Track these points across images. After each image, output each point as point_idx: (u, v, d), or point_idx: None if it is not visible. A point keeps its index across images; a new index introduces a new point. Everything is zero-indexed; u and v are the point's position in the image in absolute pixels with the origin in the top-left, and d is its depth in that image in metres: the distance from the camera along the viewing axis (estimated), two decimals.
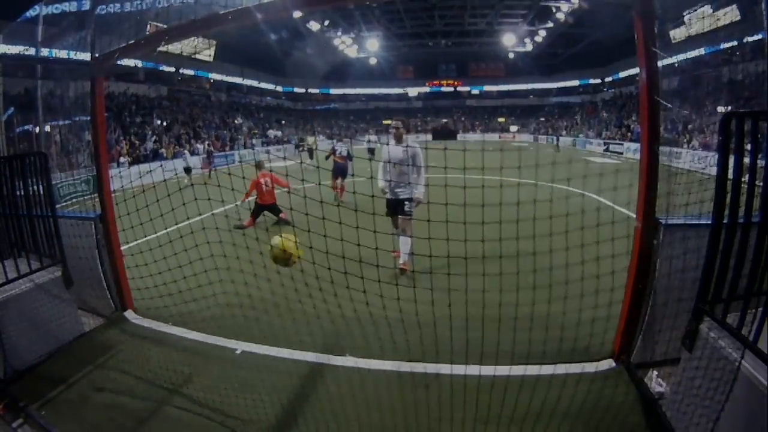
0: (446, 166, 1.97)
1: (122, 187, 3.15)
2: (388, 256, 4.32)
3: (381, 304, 2.57)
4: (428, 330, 2.54)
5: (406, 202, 4.37)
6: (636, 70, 2.36)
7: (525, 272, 2.36)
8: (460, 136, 35.46)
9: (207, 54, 28.36)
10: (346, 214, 2.27)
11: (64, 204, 10.05)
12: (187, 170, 13.37)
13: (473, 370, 2.40)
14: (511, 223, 2.07)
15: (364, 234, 2.23)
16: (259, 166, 7.28)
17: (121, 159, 15.84)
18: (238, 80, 34.66)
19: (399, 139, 4.52)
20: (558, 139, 25.52)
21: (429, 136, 33.68)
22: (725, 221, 1.67)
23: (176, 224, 2.58)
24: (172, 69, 27.50)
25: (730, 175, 1.67)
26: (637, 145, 15.32)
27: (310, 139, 20.17)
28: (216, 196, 2.56)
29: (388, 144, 4.59)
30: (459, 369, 2.42)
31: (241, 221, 6.63)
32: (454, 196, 2.10)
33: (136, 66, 23.77)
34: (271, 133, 30.59)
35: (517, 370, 2.39)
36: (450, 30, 34.28)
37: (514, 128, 37.29)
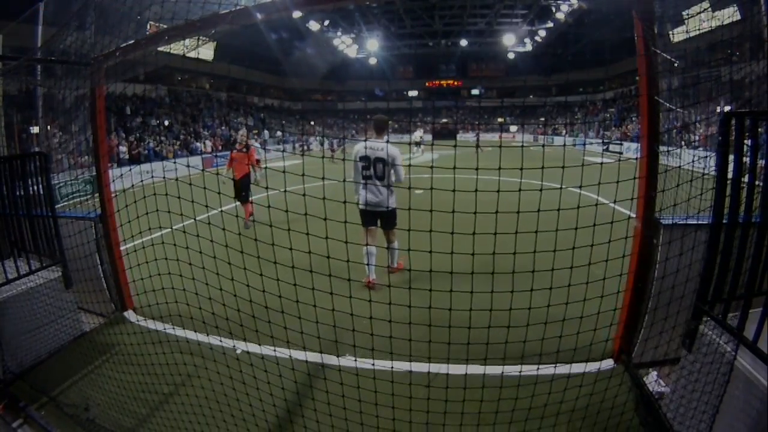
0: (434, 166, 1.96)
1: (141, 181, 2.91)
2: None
3: (379, 304, 2.55)
4: (427, 329, 2.54)
5: (395, 211, 3.93)
6: (635, 70, 2.36)
7: (524, 272, 2.35)
8: (460, 136, 35.45)
9: (207, 53, 28.35)
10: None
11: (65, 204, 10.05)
12: None
13: (474, 369, 2.39)
14: (509, 222, 2.06)
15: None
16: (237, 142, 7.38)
17: (121, 149, 15.64)
18: (237, 79, 34.67)
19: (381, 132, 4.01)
20: (478, 137, 19.44)
21: (429, 136, 33.68)
22: (725, 221, 1.67)
23: (181, 222, 2.57)
24: (172, 68, 27.44)
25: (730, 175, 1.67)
26: (636, 145, 15.38)
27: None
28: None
29: (368, 139, 3.95)
30: (459, 369, 2.41)
31: (249, 220, 6.54)
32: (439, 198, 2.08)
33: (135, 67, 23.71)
34: (268, 133, 30.60)
35: (517, 370, 2.39)
36: (450, 30, 34.30)
37: (514, 128, 37.18)
